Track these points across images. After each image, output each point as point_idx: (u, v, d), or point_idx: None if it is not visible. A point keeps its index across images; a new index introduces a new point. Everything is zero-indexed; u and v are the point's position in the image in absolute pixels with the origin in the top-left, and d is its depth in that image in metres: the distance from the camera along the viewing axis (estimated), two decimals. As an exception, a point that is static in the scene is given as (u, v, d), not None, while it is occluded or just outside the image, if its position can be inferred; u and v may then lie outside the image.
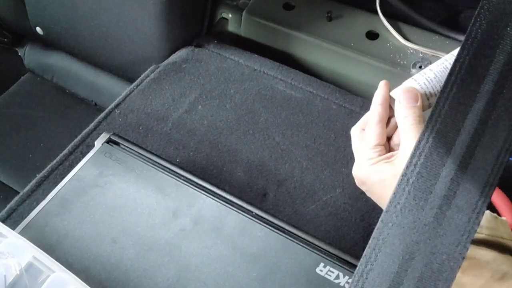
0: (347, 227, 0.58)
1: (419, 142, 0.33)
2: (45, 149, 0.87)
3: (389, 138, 0.48)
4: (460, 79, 0.34)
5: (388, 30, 0.76)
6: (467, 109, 0.34)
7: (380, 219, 0.33)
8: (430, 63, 0.72)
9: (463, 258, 0.32)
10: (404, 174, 0.33)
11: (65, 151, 0.64)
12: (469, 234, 0.33)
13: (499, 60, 0.35)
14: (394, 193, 0.33)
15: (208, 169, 0.63)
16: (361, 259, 0.33)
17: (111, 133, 0.57)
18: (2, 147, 0.88)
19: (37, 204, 0.53)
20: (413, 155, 0.33)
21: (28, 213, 0.52)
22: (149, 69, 0.76)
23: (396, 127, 0.47)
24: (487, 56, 0.35)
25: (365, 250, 0.33)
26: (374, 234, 0.33)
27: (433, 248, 0.33)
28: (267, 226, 0.51)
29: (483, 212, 0.34)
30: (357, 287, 0.32)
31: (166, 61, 0.77)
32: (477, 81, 0.34)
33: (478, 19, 0.34)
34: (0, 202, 0.80)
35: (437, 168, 0.34)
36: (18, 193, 0.60)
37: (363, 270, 0.32)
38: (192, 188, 0.53)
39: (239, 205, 0.52)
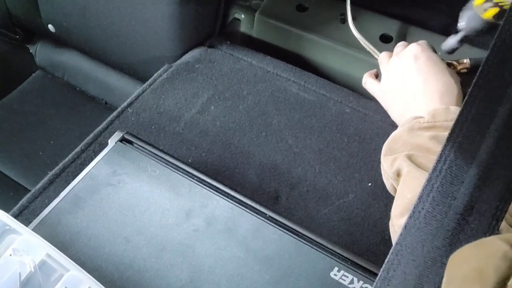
0: (359, 233, 0.57)
1: (445, 146, 0.33)
2: (55, 147, 0.87)
3: None
4: (488, 82, 0.34)
5: (402, 34, 0.76)
6: (493, 113, 0.34)
7: (403, 225, 0.32)
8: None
9: None
10: (429, 179, 0.33)
11: (77, 149, 0.63)
12: (489, 239, 0.33)
13: (525, 65, 0.35)
14: (419, 198, 0.33)
15: (220, 170, 0.62)
16: (384, 265, 0.32)
17: (125, 132, 0.57)
18: (12, 144, 0.88)
19: (49, 201, 0.53)
20: (438, 160, 0.33)
21: (40, 211, 0.52)
22: (162, 69, 0.76)
23: None
24: (514, 61, 0.34)
25: (388, 256, 0.32)
26: (397, 240, 0.32)
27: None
28: (281, 228, 0.50)
29: (502, 218, 0.34)
30: (379, 293, 0.32)
31: (179, 61, 0.77)
32: (504, 85, 0.34)
33: (507, 24, 0.34)
34: (10, 199, 0.80)
35: (461, 173, 0.33)
36: (28, 190, 0.59)
37: (385, 276, 0.31)
38: (206, 188, 0.53)
39: (253, 207, 0.52)
